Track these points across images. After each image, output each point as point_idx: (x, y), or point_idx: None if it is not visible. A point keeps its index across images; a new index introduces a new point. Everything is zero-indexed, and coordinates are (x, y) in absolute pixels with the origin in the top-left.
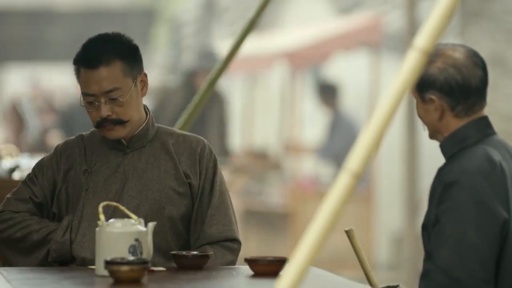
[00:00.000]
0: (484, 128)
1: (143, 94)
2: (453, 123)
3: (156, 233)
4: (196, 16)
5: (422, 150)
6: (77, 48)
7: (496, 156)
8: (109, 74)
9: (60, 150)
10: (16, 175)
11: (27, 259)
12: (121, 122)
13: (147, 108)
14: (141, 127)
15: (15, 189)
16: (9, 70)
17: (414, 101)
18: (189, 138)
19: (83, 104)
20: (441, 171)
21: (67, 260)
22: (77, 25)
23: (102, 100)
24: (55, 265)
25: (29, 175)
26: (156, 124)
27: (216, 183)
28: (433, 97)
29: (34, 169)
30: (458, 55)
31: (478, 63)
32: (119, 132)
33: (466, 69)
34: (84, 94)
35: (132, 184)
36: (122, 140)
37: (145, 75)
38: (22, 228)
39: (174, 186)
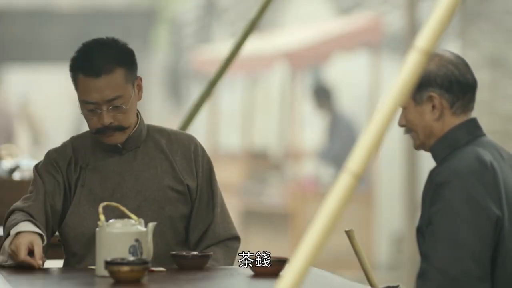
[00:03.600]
0: (474, 129)
1: (139, 98)
2: (450, 122)
3: (156, 233)
4: (196, 16)
5: (422, 151)
6: (77, 48)
7: (487, 156)
8: (112, 83)
9: (53, 156)
10: (16, 175)
11: None
12: (121, 129)
13: (137, 110)
14: (135, 129)
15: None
16: (9, 70)
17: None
18: (181, 136)
19: (81, 113)
20: (432, 173)
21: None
22: (77, 25)
23: (104, 108)
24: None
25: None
26: (145, 123)
27: (215, 182)
28: (433, 94)
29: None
30: (450, 54)
31: (467, 64)
32: (118, 138)
33: (462, 66)
34: (85, 102)
35: (130, 185)
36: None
37: (140, 79)
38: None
39: (172, 185)
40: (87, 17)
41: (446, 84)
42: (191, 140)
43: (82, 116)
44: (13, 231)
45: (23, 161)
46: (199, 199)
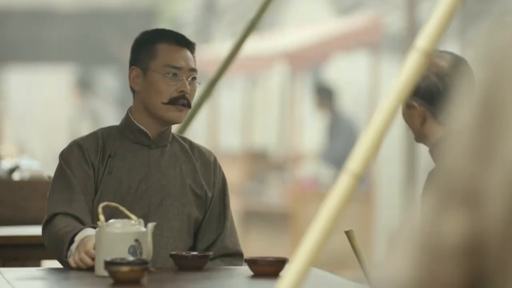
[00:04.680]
0: None
1: None
2: (437, 129)
3: (175, 229)
4: (196, 16)
5: (422, 151)
6: (77, 48)
7: None
8: (193, 58)
9: (86, 147)
10: (16, 176)
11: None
12: (189, 106)
13: None
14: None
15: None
16: (9, 71)
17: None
18: (201, 147)
19: (156, 81)
20: (430, 174)
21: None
22: (76, 25)
23: (185, 76)
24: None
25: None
26: None
27: (227, 197)
28: (414, 103)
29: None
30: (444, 63)
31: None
32: (183, 116)
33: (449, 78)
34: (169, 66)
35: (155, 179)
36: (150, 134)
37: None
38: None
39: (193, 187)
40: (87, 17)
41: (428, 97)
42: (210, 153)
43: (81, 117)
44: (79, 236)
45: (23, 161)
46: (211, 210)
